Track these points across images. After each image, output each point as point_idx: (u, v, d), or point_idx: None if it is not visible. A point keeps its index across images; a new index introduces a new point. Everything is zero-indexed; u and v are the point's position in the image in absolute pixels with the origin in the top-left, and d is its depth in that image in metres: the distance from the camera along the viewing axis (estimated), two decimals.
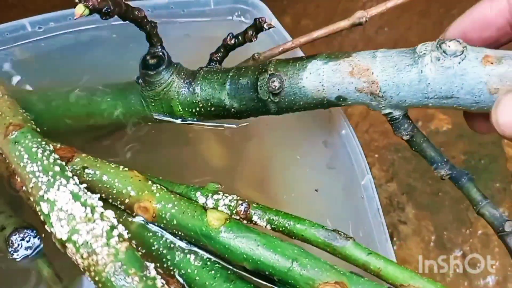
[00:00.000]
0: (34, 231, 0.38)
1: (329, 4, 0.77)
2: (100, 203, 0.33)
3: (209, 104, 0.39)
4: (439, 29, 0.73)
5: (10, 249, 0.37)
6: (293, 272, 0.31)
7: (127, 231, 0.32)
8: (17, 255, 0.37)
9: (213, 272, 0.34)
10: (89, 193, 0.33)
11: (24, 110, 0.38)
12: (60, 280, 0.37)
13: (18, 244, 0.37)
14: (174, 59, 0.41)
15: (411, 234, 0.56)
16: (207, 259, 0.35)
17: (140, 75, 0.40)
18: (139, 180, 0.36)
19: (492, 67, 0.31)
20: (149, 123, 0.43)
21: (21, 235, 0.37)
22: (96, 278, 0.30)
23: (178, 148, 0.47)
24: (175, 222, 0.35)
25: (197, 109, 0.40)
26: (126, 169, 0.37)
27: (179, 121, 0.42)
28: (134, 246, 0.31)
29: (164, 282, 0.30)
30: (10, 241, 0.37)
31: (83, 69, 0.48)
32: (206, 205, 0.36)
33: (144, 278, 0.29)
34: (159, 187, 0.36)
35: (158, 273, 0.31)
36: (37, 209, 0.33)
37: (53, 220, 0.32)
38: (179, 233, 0.35)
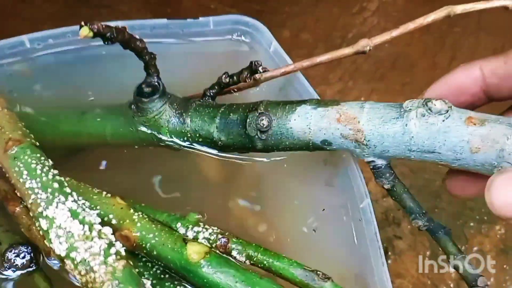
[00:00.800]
0: (29, 248, 0.38)
1: (328, 18, 0.77)
2: (98, 219, 0.33)
3: (198, 135, 0.41)
4: (440, 46, 0.73)
5: (5, 265, 0.38)
6: None
7: (124, 248, 0.32)
8: (12, 271, 0.38)
9: None
10: (87, 209, 0.34)
11: (23, 124, 0.38)
12: None
13: (14, 260, 0.38)
14: (171, 76, 0.42)
15: (406, 249, 0.57)
16: None
17: (133, 101, 0.42)
18: (121, 208, 0.37)
19: (475, 127, 0.32)
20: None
21: (16, 251, 0.38)
22: None
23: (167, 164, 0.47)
24: (155, 252, 0.36)
25: (185, 138, 0.41)
26: (109, 195, 0.38)
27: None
28: (131, 264, 0.32)
29: None
30: (6, 258, 0.38)
31: (83, 85, 0.49)
32: (187, 236, 0.37)
33: None
34: (141, 215, 0.37)
35: None
36: (36, 224, 0.33)
37: (52, 236, 0.32)
38: (160, 263, 0.36)
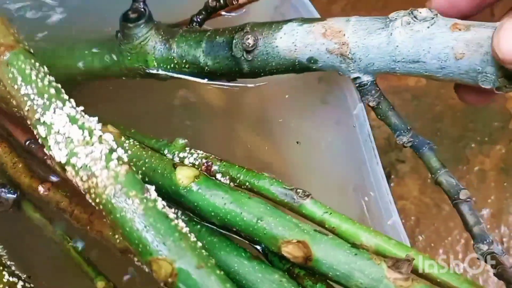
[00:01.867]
0: (8, 187, 0.40)
1: None
2: (99, 126, 0.32)
3: (184, 61, 0.40)
4: None
5: None
6: (258, 230, 0.32)
7: (126, 154, 0.32)
8: None
9: (199, 226, 0.35)
10: (86, 116, 0.33)
11: (15, 30, 0.36)
12: (50, 222, 0.39)
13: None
14: (159, 5, 0.41)
15: (408, 172, 0.58)
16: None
17: (120, 28, 0.41)
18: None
19: (460, 33, 0.31)
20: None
21: None
22: (97, 200, 0.30)
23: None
24: (147, 179, 0.35)
25: (172, 65, 0.40)
26: (100, 123, 0.36)
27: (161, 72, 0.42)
28: (134, 169, 0.31)
29: (164, 204, 0.30)
30: None
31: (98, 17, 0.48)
32: (174, 161, 0.36)
33: (145, 200, 0.29)
34: (131, 143, 0.37)
35: None
36: (35, 132, 0.32)
37: (51, 143, 0.31)
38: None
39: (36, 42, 0.47)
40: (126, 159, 0.31)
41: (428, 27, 0.31)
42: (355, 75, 0.35)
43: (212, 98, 0.47)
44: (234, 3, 0.40)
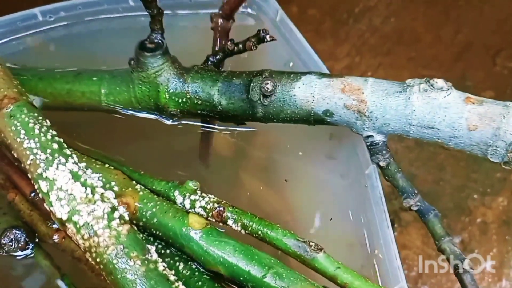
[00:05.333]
0: (22, 230, 0.38)
1: None
2: (100, 183, 0.32)
3: (197, 97, 0.40)
4: (445, 19, 0.74)
5: (1, 252, 0.38)
6: (267, 280, 0.32)
7: (127, 213, 0.31)
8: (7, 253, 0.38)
9: (200, 283, 0.34)
10: (88, 172, 0.32)
11: (18, 82, 0.36)
12: (59, 271, 0.38)
13: (10, 245, 0.38)
14: (177, 49, 0.41)
15: (412, 221, 0.59)
16: (196, 269, 0.35)
17: (134, 55, 0.41)
18: (124, 178, 0.36)
19: (473, 106, 0.33)
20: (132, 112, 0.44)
21: (11, 236, 0.38)
22: (98, 260, 0.29)
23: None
24: (155, 220, 0.35)
25: (184, 100, 0.41)
26: (112, 167, 0.37)
27: (168, 122, 0.43)
28: (135, 229, 0.31)
29: (165, 266, 0.30)
30: (1, 244, 0.38)
31: (90, 57, 0.49)
32: (184, 206, 0.36)
33: (146, 262, 0.29)
34: (142, 187, 0.36)
35: None
36: (36, 186, 0.32)
37: (52, 199, 0.31)
38: (157, 232, 0.35)
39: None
40: (127, 218, 0.31)
41: (445, 97, 0.33)
42: (369, 133, 0.37)
43: (218, 144, 0.48)
44: (253, 49, 0.41)
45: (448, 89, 0.34)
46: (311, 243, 0.34)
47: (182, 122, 0.44)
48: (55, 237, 0.37)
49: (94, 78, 0.43)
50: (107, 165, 0.37)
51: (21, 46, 0.48)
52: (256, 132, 0.46)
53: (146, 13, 0.40)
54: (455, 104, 0.33)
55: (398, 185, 0.38)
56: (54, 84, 0.43)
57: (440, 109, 0.33)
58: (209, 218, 0.35)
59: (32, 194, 0.39)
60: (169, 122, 0.43)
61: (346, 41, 0.71)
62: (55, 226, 0.37)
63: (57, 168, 0.31)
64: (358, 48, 0.71)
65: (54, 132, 0.33)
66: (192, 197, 0.36)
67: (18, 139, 0.32)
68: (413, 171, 0.60)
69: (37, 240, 0.39)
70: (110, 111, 0.43)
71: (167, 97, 0.41)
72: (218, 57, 0.42)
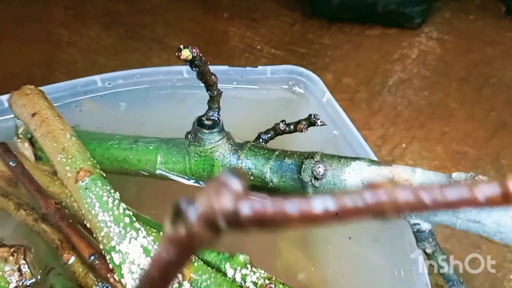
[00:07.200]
0: None
1: (369, 64, 0.80)
2: None
3: (250, 172, 0.42)
4: (478, 96, 0.76)
5: None
6: None
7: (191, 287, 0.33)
8: None
9: None
10: (155, 246, 0.34)
11: (90, 154, 0.38)
12: None
13: None
14: (225, 117, 0.43)
15: None
16: None
17: (192, 130, 0.43)
18: None
19: None
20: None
21: None
22: None
23: None
24: None
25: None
26: None
27: None
28: None
29: None
30: None
31: (143, 124, 0.52)
32: (235, 279, 0.37)
33: None
34: (196, 258, 0.38)
35: None
36: (107, 257, 0.33)
37: (124, 272, 0.33)
38: None
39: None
40: None
41: None
42: (416, 221, 0.38)
43: None
44: (304, 131, 0.43)
45: None
46: None
47: None
48: None
49: (151, 147, 0.45)
50: (161, 233, 0.38)
51: (78, 108, 0.51)
52: None
53: (201, 85, 0.42)
54: None
55: (444, 272, 0.38)
56: (112, 150, 0.45)
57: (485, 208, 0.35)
58: None
59: (92, 258, 0.40)
60: None
61: (379, 112, 0.73)
62: None
63: (129, 242, 0.33)
64: (391, 119, 0.73)
65: (125, 205, 0.35)
66: (243, 271, 0.37)
67: (93, 211, 0.34)
68: (448, 247, 0.60)
69: None
70: (163, 177, 0.45)
71: (221, 171, 0.43)
72: (269, 135, 0.44)
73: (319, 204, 0.13)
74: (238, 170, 0.41)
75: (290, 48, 0.83)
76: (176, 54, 0.36)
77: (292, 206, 0.12)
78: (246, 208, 0.13)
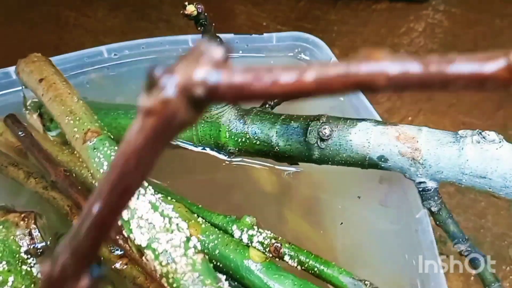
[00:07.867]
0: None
1: (376, 39, 0.80)
2: (176, 214, 0.34)
3: (256, 137, 0.42)
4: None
5: None
6: None
7: (199, 243, 0.33)
8: None
9: None
10: (163, 203, 0.34)
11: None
12: None
13: None
14: None
15: (452, 268, 0.59)
16: None
17: None
18: (186, 211, 0.39)
19: None
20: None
21: None
22: (174, 285, 0.31)
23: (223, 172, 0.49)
24: (217, 252, 0.37)
25: (243, 139, 0.43)
26: (174, 199, 0.39)
27: (224, 157, 0.45)
28: (207, 258, 0.32)
29: None
30: None
31: None
32: (242, 240, 0.38)
33: None
34: (203, 220, 0.39)
35: None
36: None
37: (133, 226, 0.33)
38: (218, 264, 0.38)
39: None
40: (200, 248, 0.33)
41: (497, 149, 0.35)
42: (421, 179, 0.38)
43: (264, 181, 0.49)
44: None
45: (500, 142, 0.35)
46: (366, 282, 0.35)
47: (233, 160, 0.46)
48: (117, 264, 0.39)
49: None
50: (169, 197, 0.40)
51: (85, 80, 0.52)
52: (302, 172, 0.48)
53: None
54: (507, 156, 0.35)
55: (449, 230, 0.39)
56: (119, 119, 0.46)
57: (492, 160, 0.35)
58: (266, 253, 0.37)
59: None
60: (226, 158, 0.46)
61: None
62: (118, 252, 0.39)
63: (137, 198, 0.33)
64: (398, 94, 0.73)
65: None
66: (250, 232, 0.38)
67: (102, 170, 0.35)
68: (454, 218, 0.60)
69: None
70: (171, 145, 0.45)
71: (227, 137, 0.43)
72: (276, 100, 0.45)
73: (302, 72, 0.12)
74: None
75: (296, 24, 0.83)
76: (181, 12, 0.36)
77: (272, 75, 0.13)
78: (225, 77, 0.13)
